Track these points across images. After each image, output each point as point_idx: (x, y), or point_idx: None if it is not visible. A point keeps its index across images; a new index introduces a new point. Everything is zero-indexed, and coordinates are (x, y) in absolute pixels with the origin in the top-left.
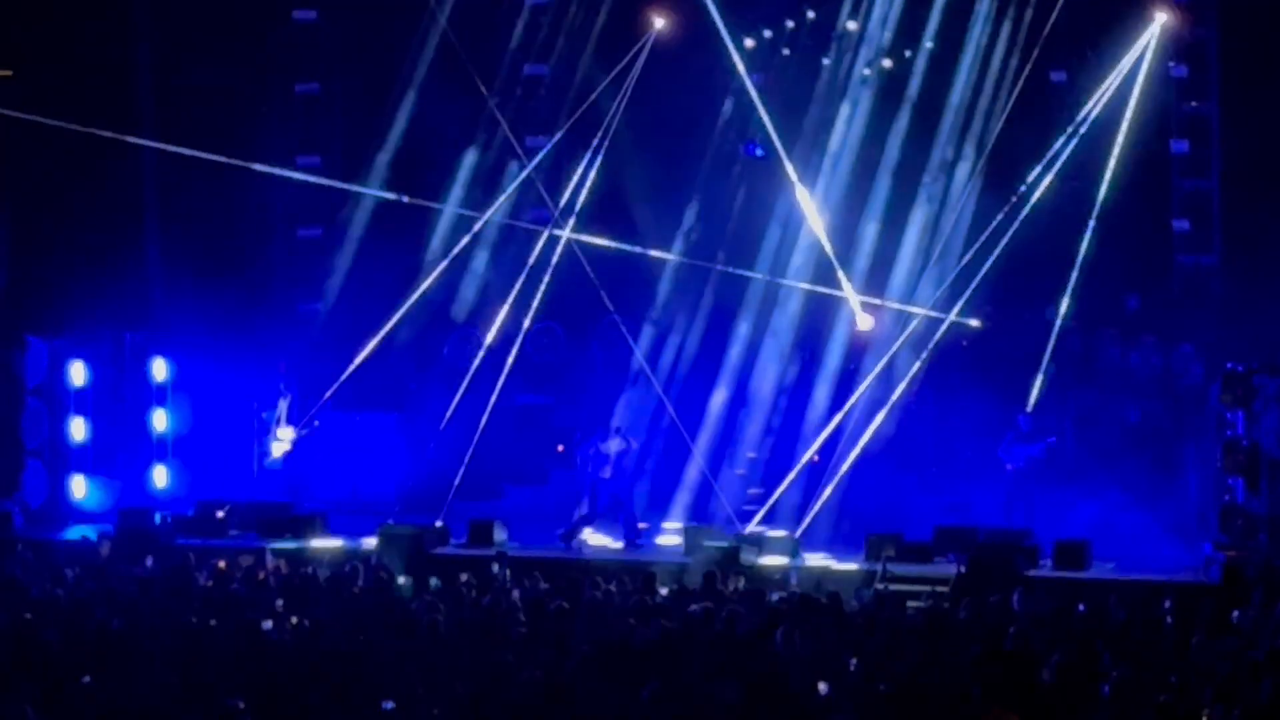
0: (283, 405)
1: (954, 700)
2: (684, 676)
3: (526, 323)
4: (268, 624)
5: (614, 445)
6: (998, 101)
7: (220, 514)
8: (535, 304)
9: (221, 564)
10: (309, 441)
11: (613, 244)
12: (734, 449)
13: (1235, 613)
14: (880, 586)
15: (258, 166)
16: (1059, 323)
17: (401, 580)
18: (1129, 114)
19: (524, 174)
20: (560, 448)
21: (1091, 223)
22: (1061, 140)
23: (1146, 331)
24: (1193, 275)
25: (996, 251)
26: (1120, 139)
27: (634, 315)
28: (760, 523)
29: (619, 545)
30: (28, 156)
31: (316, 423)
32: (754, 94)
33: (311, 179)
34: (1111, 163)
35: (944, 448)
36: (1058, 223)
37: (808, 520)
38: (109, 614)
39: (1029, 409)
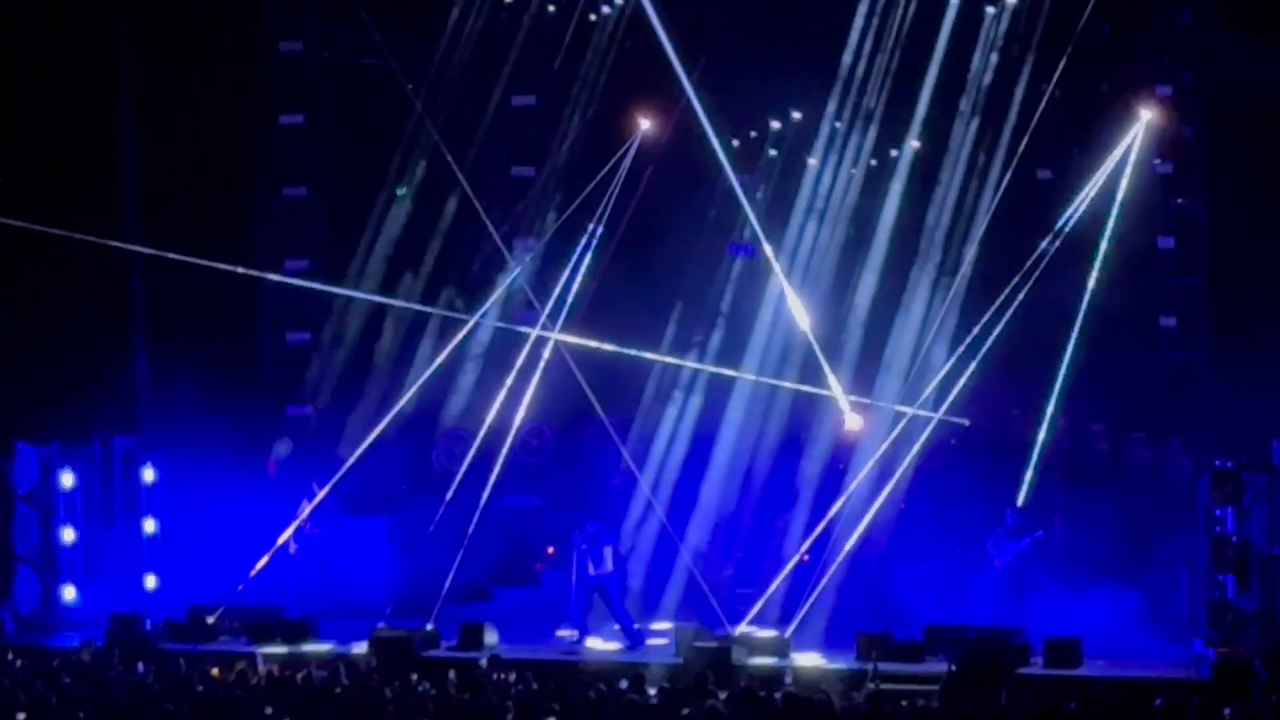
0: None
1: None
2: None
3: (516, 424)
4: None
5: (609, 552)
6: (983, 199)
7: (211, 619)
8: (524, 406)
9: (215, 671)
10: (301, 546)
11: (601, 344)
12: (723, 548)
13: (1226, 709)
14: (872, 686)
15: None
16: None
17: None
18: (1115, 211)
19: (512, 277)
20: (551, 549)
21: (1079, 320)
22: (1049, 237)
23: (1135, 427)
24: (1181, 371)
25: (985, 348)
26: (1107, 236)
27: (623, 416)
28: (750, 622)
29: (613, 646)
30: (14, 261)
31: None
32: (741, 194)
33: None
34: (1098, 259)
35: (935, 545)
36: (1046, 319)
37: (798, 620)
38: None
39: (1018, 504)
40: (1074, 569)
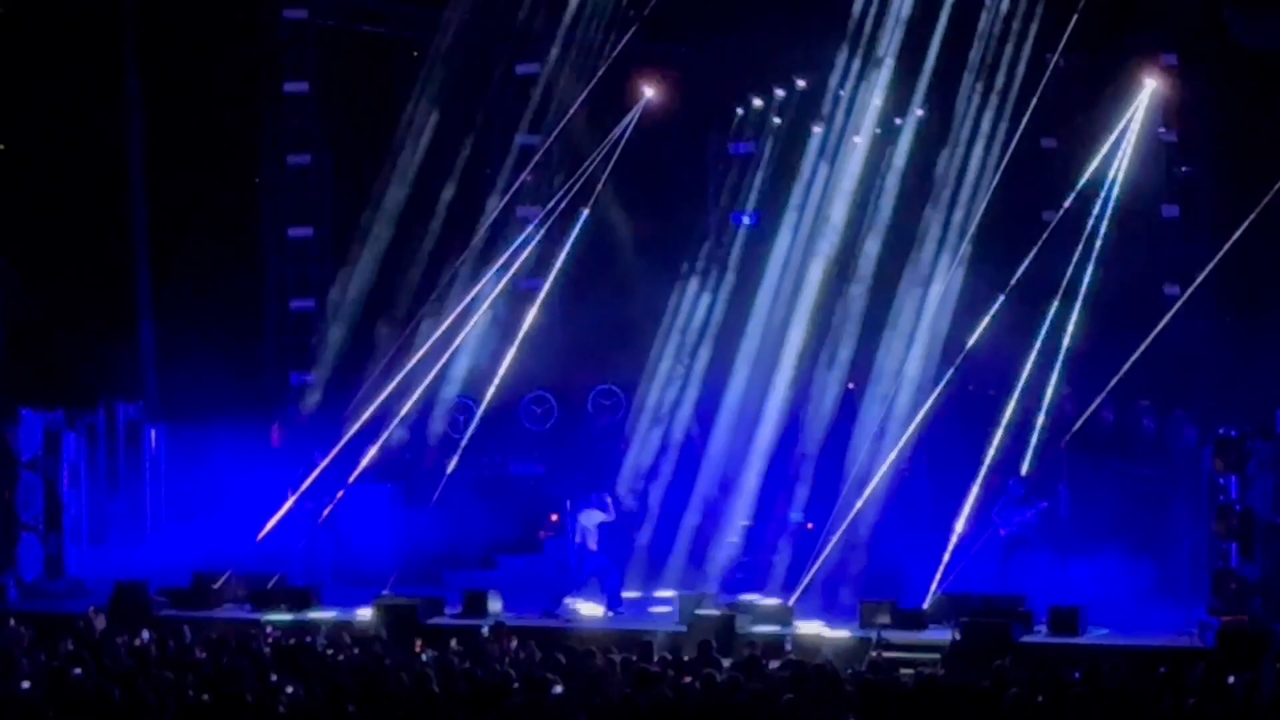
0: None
1: None
2: None
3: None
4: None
5: (596, 516)
6: (988, 168)
7: (217, 585)
8: (529, 374)
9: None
10: (305, 512)
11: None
12: (728, 516)
13: (1231, 677)
14: (874, 654)
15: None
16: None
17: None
18: (1120, 179)
19: (516, 244)
20: (555, 517)
21: (1084, 288)
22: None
23: (1140, 396)
24: (1186, 340)
25: (991, 315)
26: (1112, 204)
27: (628, 383)
28: (754, 590)
29: (606, 614)
30: (19, 229)
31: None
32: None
33: None
34: (1103, 228)
35: (938, 512)
36: (1051, 287)
37: (802, 587)
38: (105, 687)
39: (1022, 473)
40: (1078, 538)
